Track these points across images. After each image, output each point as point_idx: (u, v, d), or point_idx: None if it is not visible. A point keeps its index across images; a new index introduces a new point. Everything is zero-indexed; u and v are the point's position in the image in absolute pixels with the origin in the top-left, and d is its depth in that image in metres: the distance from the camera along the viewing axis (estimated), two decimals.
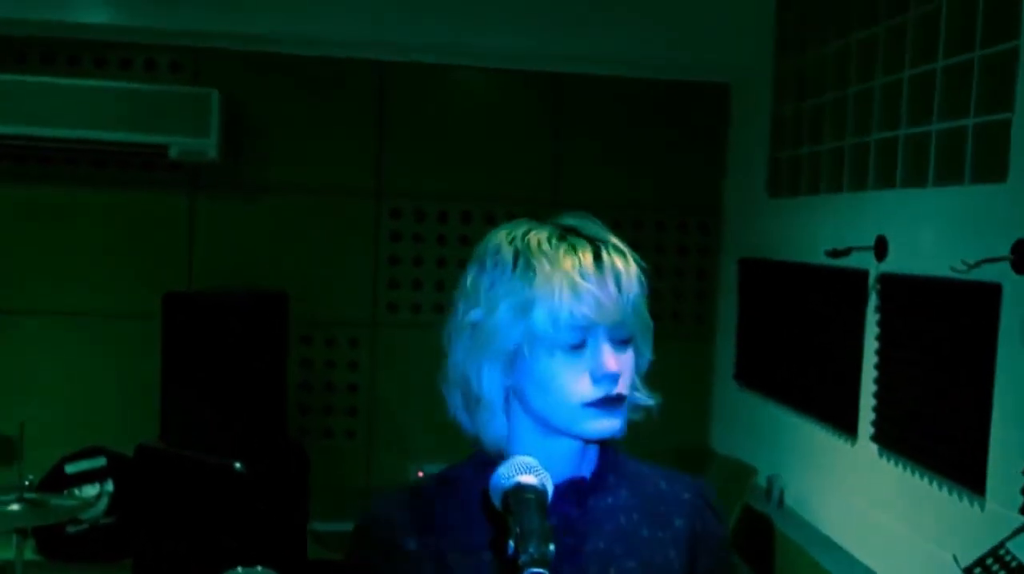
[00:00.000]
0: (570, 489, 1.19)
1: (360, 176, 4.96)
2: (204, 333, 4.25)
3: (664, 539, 1.21)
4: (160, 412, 4.36)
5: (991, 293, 2.82)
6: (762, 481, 4.36)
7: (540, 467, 0.98)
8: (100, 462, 4.68)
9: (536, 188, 5.00)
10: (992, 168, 2.91)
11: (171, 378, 4.34)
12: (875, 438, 3.45)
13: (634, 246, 1.21)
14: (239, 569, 3.66)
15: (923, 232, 3.24)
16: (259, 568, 3.66)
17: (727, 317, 5.04)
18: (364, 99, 4.96)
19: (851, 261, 3.62)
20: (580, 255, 1.16)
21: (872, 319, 3.51)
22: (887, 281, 3.42)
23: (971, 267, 2.84)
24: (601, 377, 1.13)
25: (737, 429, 4.88)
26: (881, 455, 3.43)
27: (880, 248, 3.46)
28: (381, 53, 4.88)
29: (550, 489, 0.98)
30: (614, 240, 1.22)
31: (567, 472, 1.20)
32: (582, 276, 1.14)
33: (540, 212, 1.27)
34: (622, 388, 1.15)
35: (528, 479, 0.96)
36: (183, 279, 4.87)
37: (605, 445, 1.24)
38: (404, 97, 4.98)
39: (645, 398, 1.23)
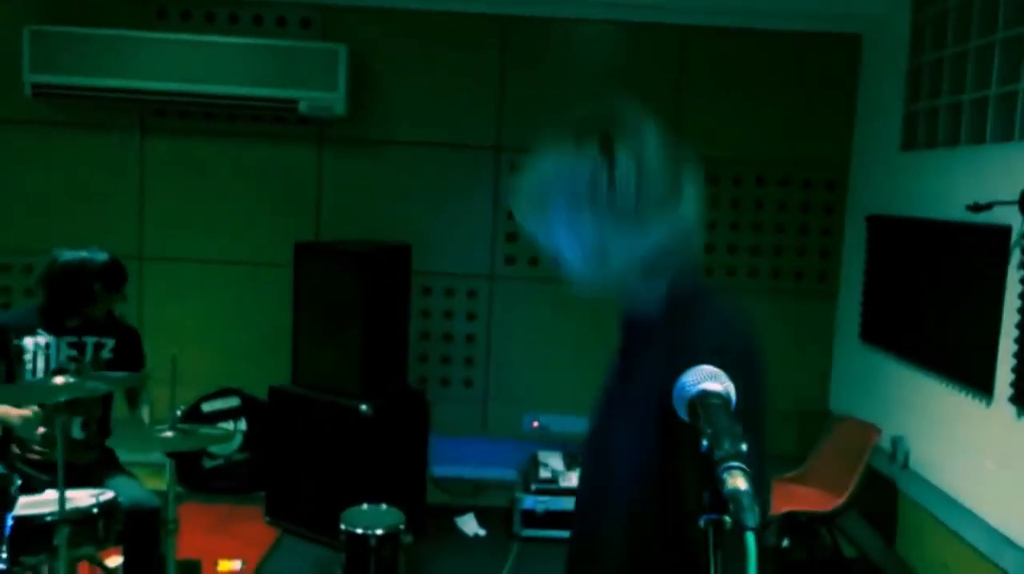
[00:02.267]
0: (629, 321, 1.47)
1: (481, 130, 5.01)
2: (333, 282, 4.42)
3: (659, 353, 1.33)
4: (292, 356, 4.57)
5: None
6: (886, 443, 4.26)
7: (724, 375, 1.00)
8: (234, 402, 4.94)
9: None
10: None
11: (302, 324, 4.54)
12: (1014, 399, 3.32)
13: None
14: (364, 506, 3.83)
15: None
16: (384, 506, 3.82)
17: (851, 275, 4.90)
18: (486, 54, 4.99)
19: (992, 216, 3.47)
20: None
21: (1015, 276, 3.36)
22: None
23: None
24: None
25: (859, 390, 4.77)
26: (1020, 416, 3.30)
27: None
28: (503, 7, 4.90)
29: (734, 396, 1.00)
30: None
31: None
32: None
33: None
34: (559, 263, 1.42)
35: (713, 386, 0.99)
36: (311, 230, 5.04)
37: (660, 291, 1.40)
38: (525, 51, 4.99)
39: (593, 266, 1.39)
